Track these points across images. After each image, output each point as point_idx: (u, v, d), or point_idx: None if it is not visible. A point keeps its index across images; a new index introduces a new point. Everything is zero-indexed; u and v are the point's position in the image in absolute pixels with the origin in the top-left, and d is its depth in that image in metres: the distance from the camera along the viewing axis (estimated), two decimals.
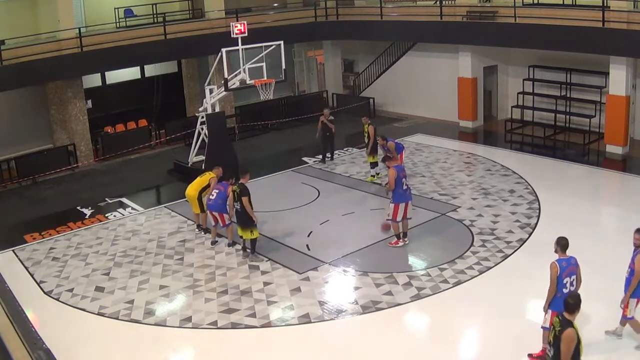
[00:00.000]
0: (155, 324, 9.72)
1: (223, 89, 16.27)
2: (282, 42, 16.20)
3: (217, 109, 17.18)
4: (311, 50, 25.33)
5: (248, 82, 15.74)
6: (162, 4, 21.51)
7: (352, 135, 18.59)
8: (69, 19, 18.27)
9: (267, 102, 19.41)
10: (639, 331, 8.24)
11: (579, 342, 6.23)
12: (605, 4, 15.62)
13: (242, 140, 20.42)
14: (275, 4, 25.58)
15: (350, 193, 14.99)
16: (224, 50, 15.57)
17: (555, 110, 18.71)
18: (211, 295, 10.46)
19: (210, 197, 12.02)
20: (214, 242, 12.40)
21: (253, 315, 9.74)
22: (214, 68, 17.76)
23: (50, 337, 9.27)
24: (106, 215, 14.55)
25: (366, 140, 15.61)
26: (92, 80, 20.47)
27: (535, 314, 8.30)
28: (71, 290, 10.94)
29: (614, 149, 16.71)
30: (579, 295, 6.63)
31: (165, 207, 14.90)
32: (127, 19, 20.95)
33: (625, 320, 8.29)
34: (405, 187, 11.44)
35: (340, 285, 10.71)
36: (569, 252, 7.80)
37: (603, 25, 15.65)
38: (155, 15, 21.28)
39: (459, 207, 13.55)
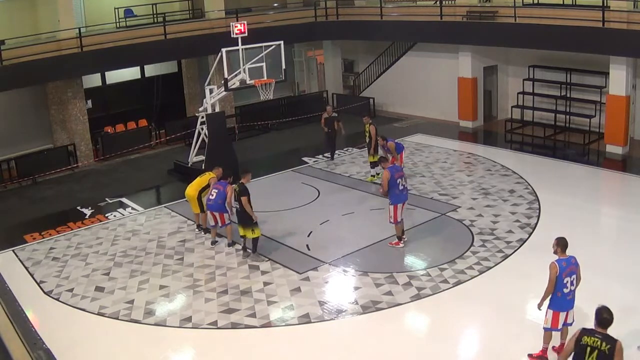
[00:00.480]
0: (155, 324, 9.72)
1: (223, 89, 16.27)
2: (282, 42, 16.20)
3: (217, 109, 17.18)
4: (311, 50, 25.33)
5: (248, 82, 15.74)
6: (162, 4, 21.52)
7: (352, 135, 18.59)
8: (69, 19, 18.27)
9: (267, 102, 19.44)
10: None
11: None
12: (605, 4, 15.62)
13: (242, 140, 20.42)
14: (275, 4, 25.59)
15: (350, 193, 14.99)
16: (224, 50, 15.57)
17: (555, 110, 18.71)
18: (211, 295, 10.46)
19: (210, 197, 12.01)
20: (213, 243, 12.40)
21: (253, 315, 9.73)
22: (214, 68, 17.76)
23: (50, 337, 9.29)
24: (106, 215, 14.55)
25: (367, 140, 15.60)
26: (92, 80, 20.47)
27: (536, 314, 8.29)
28: (71, 290, 10.94)
29: (614, 149, 16.71)
30: (610, 309, 6.49)
31: (165, 207, 14.90)
32: (127, 19, 20.96)
33: None
34: (401, 187, 11.44)
35: (340, 285, 10.71)
36: (568, 252, 7.80)
37: (603, 25, 15.65)
38: (155, 15, 21.29)
39: (459, 207, 13.55)
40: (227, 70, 15.66)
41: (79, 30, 18.02)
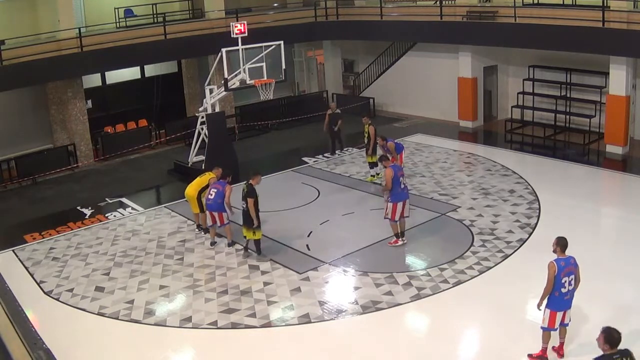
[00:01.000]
0: (155, 324, 9.72)
1: (223, 89, 16.26)
2: (282, 42, 16.20)
3: (217, 109, 17.18)
4: (311, 50, 25.33)
5: (248, 82, 15.74)
6: (162, 4, 21.52)
7: (352, 135, 18.59)
8: (69, 19, 18.27)
9: (267, 102, 19.44)
10: None
11: None
12: (605, 4, 15.62)
13: (242, 140, 20.42)
14: (275, 4, 25.59)
15: (350, 193, 14.99)
16: (224, 50, 15.57)
17: (555, 110, 18.71)
18: (211, 295, 10.45)
19: (209, 196, 11.97)
20: (213, 244, 12.38)
21: (253, 315, 9.73)
22: (214, 68, 17.76)
23: (50, 337, 9.29)
24: (106, 215, 14.55)
25: (366, 141, 15.60)
26: (92, 80, 20.47)
27: (535, 314, 8.29)
28: (71, 290, 10.94)
29: (614, 149, 16.71)
30: (616, 328, 6.30)
31: (165, 207, 14.90)
32: (127, 19, 20.96)
33: None
34: (402, 186, 11.46)
35: (340, 285, 10.71)
36: (568, 252, 7.80)
37: (603, 25, 15.65)
38: (155, 15, 21.29)
39: (459, 207, 13.55)
40: (227, 70, 15.66)
41: (79, 30, 18.02)
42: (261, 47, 15.89)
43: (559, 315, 7.79)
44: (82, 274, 11.53)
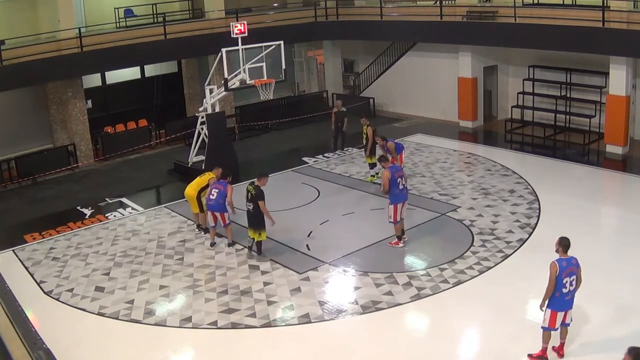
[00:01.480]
0: (155, 324, 9.72)
1: (223, 89, 16.27)
2: (282, 42, 16.20)
3: (217, 109, 17.18)
4: (311, 50, 25.33)
5: (248, 82, 15.74)
6: (162, 4, 21.51)
7: (352, 135, 18.57)
8: (69, 19, 18.26)
9: (267, 102, 19.43)
10: None
11: None
12: (605, 4, 15.62)
13: (242, 140, 20.42)
14: (275, 4, 25.58)
15: (350, 193, 14.99)
16: (224, 50, 15.57)
17: (555, 110, 18.70)
18: (211, 295, 10.45)
19: (210, 196, 11.94)
20: (212, 244, 12.36)
21: (253, 315, 9.73)
22: (214, 68, 17.76)
23: (50, 337, 9.29)
24: (106, 215, 14.55)
25: (365, 142, 15.61)
26: (92, 80, 20.47)
27: (535, 314, 8.29)
28: (71, 290, 10.94)
29: (614, 149, 16.71)
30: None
31: (165, 207, 14.90)
32: (127, 19, 20.95)
33: None
34: (401, 187, 11.45)
35: (340, 285, 10.71)
36: (569, 252, 7.80)
37: (603, 25, 15.65)
38: (155, 15, 21.28)
39: (459, 207, 13.55)
40: (227, 70, 15.66)
41: (79, 30, 18.01)
42: (261, 47, 15.89)
43: (560, 315, 7.79)
44: (82, 274, 11.53)
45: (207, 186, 12.45)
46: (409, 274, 10.75)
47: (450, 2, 20.70)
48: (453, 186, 14.90)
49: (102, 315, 10.07)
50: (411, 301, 9.87)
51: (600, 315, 9.04)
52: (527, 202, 13.55)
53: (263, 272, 11.13)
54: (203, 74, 20.96)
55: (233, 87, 16.09)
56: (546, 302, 7.80)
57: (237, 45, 15.58)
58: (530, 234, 11.95)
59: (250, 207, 11.30)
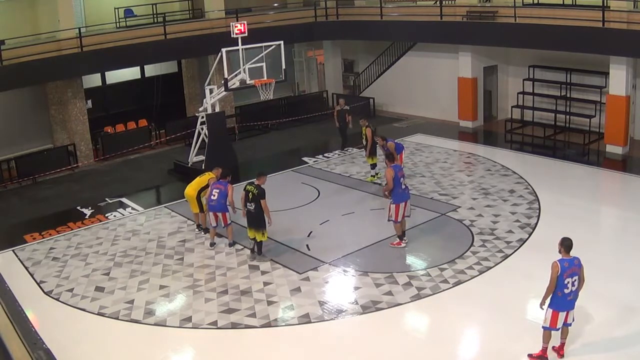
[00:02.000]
0: (155, 324, 9.72)
1: (223, 89, 16.27)
2: (282, 42, 16.21)
3: (217, 109, 17.19)
4: (311, 50, 25.33)
5: (248, 82, 15.75)
6: (162, 4, 21.52)
7: (352, 135, 18.57)
8: (69, 19, 18.27)
9: (267, 102, 19.44)
10: None
11: None
12: (605, 4, 15.62)
13: (242, 140, 20.42)
14: (275, 4, 25.58)
15: (350, 193, 14.99)
16: (224, 50, 15.57)
17: (555, 110, 18.70)
18: (211, 295, 10.45)
19: (212, 197, 11.91)
20: (212, 244, 12.35)
21: (253, 315, 9.73)
22: (214, 68, 17.76)
23: (50, 337, 9.28)
24: (106, 215, 14.55)
25: (364, 142, 15.61)
26: (92, 80, 20.47)
27: (536, 314, 8.30)
28: (71, 290, 10.94)
29: (614, 149, 16.71)
30: None
31: (165, 207, 14.90)
32: (127, 19, 20.95)
33: None
34: (403, 186, 11.46)
35: (340, 285, 10.71)
36: (571, 252, 7.79)
37: (603, 25, 15.65)
38: (155, 15, 21.28)
39: (459, 207, 13.55)
40: (227, 70, 15.66)
41: (79, 30, 18.02)
42: (261, 47, 15.90)
43: (562, 315, 7.78)
44: (82, 274, 11.53)
45: (207, 186, 12.44)
46: (409, 274, 10.75)
47: (450, 2, 20.70)
48: (453, 186, 14.90)
49: (102, 315, 10.07)
50: (411, 301, 9.87)
51: (600, 315, 9.04)
52: (527, 202, 13.54)
53: (263, 272, 11.13)
54: (203, 74, 20.96)
55: (233, 87, 16.10)
56: (546, 302, 7.80)
57: (237, 45, 15.59)
58: (530, 234, 11.95)
59: (252, 208, 11.27)
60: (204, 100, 16.85)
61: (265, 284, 10.71)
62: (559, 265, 7.63)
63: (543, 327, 7.96)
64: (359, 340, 9.12)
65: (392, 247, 11.75)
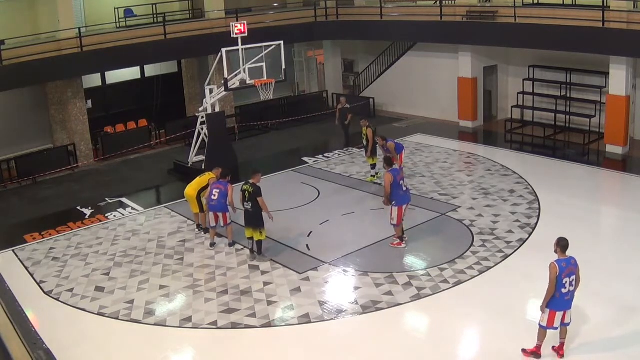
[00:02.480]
0: (155, 324, 9.72)
1: (223, 89, 16.27)
2: (282, 42, 16.21)
3: (217, 109, 17.19)
4: (311, 50, 25.33)
5: (248, 82, 15.75)
6: (162, 4, 21.52)
7: (352, 135, 18.58)
8: (69, 19, 18.27)
9: (267, 102, 19.45)
10: None
11: None
12: (605, 4, 15.62)
13: (242, 140, 20.42)
14: (275, 4, 25.58)
15: (350, 193, 14.99)
16: (224, 50, 15.57)
17: (555, 110, 18.70)
18: (211, 295, 10.45)
19: (212, 197, 11.90)
20: (212, 245, 12.35)
21: (253, 315, 9.73)
22: (214, 68, 17.76)
23: (50, 337, 9.27)
24: (106, 215, 14.55)
25: (364, 143, 15.61)
26: (92, 80, 20.47)
27: (536, 314, 8.29)
28: (71, 290, 10.94)
29: (614, 149, 16.71)
30: None
31: (165, 207, 14.90)
32: (127, 19, 20.95)
33: None
34: (404, 188, 11.46)
35: (340, 285, 10.71)
36: (569, 252, 7.80)
37: (603, 25, 15.65)
38: (155, 15, 21.28)
39: (459, 207, 13.55)
40: (227, 70, 15.66)
41: (79, 30, 18.02)
42: (261, 47, 15.90)
43: (559, 315, 7.80)
44: (82, 274, 11.53)
45: (207, 186, 12.43)
46: (409, 274, 10.75)
47: (450, 2, 20.70)
48: (453, 186, 14.90)
49: (102, 315, 10.07)
50: (411, 301, 9.87)
51: (600, 315, 9.04)
52: (527, 202, 13.54)
53: (263, 272, 11.13)
54: (203, 74, 20.96)
55: (233, 87, 16.10)
56: (546, 304, 7.81)
57: (237, 45, 15.59)
58: (530, 234, 11.95)
59: (249, 207, 11.28)
60: (204, 100, 16.85)
61: (265, 284, 10.71)
62: (557, 266, 7.63)
63: (540, 324, 7.98)
64: (359, 340, 9.12)
65: (392, 247, 11.75)
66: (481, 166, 16.42)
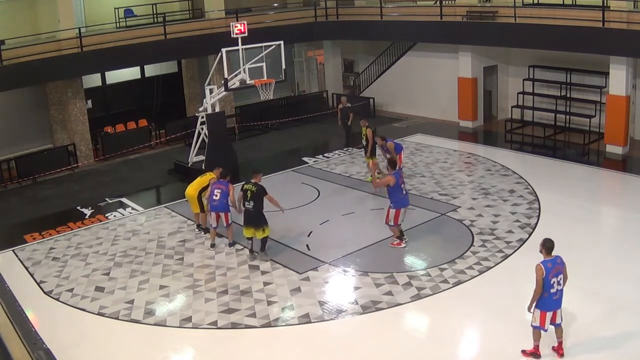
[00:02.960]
0: (155, 324, 9.72)
1: (223, 89, 16.27)
2: (282, 42, 16.21)
3: (217, 109, 17.19)
4: (311, 50, 25.34)
5: (248, 82, 15.75)
6: (162, 4, 21.52)
7: (352, 135, 18.59)
8: (69, 19, 18.27)
9: (267, 102, 19.45)
10: None
11: None
12: (605, 4, 15.62)
13: (242, 140, 20.42)
14: (275, 4, 25.58)
15: (350, 193, 14.99)
16: (224, 50, 15.57)
17: (555, 110, 18.70)
18: (211, 295, 10.46)
19: (214, 197, 11.88)
20: (212, 245, 12.33)
21: (253, 315, 9.74)
22: (214, 68, 17.77)
23: (50, 337, 9.29)
24: (106, 215, 14.55)
25: (364, 143, 15.61)
26: (92, 80, 20.47)
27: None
28: (71, 290, 10.94)
29: (614, 149, 16.71)
30: None
31: (165, 207, 14.90)
32: (127, 19, 20.95)
33: None
34: (404, 192, 11.47)
35: (340, 285, 10.71)
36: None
37: (603, 25, 15.65)
38: (155, 15, 21.29)
39: (459, 207, 13.55)
40: (227, 70, 15.67)
41: (79, 30, 18.02)
42: (261, 47, 15.90)
43: (549, 315, 7.83)
44: (82, 274, 11.53)
45: (207, 186, 12.43)
46: (409, 274, 10.75)
47: (450, 2, 20.70)
48: (453, 186, 14.90)
49: (102, 315, 10.07)
50: (411, 301, 9.87)
51: (600, 315, 9.04)
52: (527, 202, 13.54)
53: (263, 272, 11.14)
54: (203, 74, 20.96)
55: (233, 87, 16.10)
56: (534, 305, 7.83)
57: (237, 45, 15.59)
58: (530, 234, 11.94)
59: (250, 206, 11.27)
60: (204, 100, 16.85)
61: (265, 284, 10.71)
62: (542, 267, 7.68)
63: (532, 325, 8.00)
64: (359, 340, 9.12)
65: (392, 247, 11.75)
66: (481, 166, 16.42)
